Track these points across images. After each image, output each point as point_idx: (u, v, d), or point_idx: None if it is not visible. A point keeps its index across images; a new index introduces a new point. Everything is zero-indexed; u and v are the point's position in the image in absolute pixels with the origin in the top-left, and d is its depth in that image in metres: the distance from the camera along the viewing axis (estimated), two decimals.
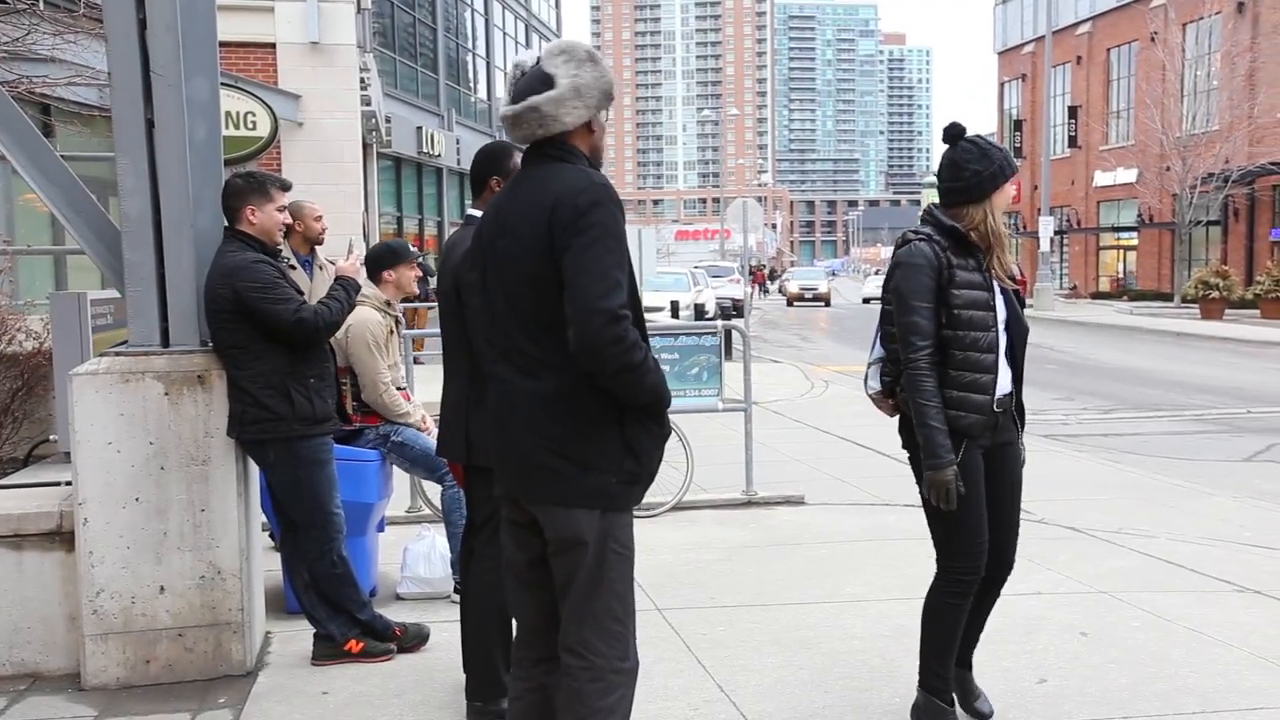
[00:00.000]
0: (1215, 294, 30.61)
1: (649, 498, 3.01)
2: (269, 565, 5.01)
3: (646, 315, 2.84)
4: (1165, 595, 5.27)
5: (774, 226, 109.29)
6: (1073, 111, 46.10)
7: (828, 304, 46.28)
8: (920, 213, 3.58)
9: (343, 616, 4.39)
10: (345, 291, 4.38)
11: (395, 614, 4.72)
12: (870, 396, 3.67)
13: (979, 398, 3.37)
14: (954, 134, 3.45)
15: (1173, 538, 6.49)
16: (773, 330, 29.58)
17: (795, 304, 46.41)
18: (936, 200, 3.54)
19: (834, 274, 62.18)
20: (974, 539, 3.46)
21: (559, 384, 2.64)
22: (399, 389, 5.22)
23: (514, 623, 3.00)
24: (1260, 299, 30.68)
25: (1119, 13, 44.07)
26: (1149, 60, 40.86)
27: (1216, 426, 12.11)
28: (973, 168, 3.40)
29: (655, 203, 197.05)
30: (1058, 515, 7.00)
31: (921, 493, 3.46)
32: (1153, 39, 40.73)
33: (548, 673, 2.84)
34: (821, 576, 5.63)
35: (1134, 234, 43.57)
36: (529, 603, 2.86)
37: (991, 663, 4.16)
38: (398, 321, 5.35)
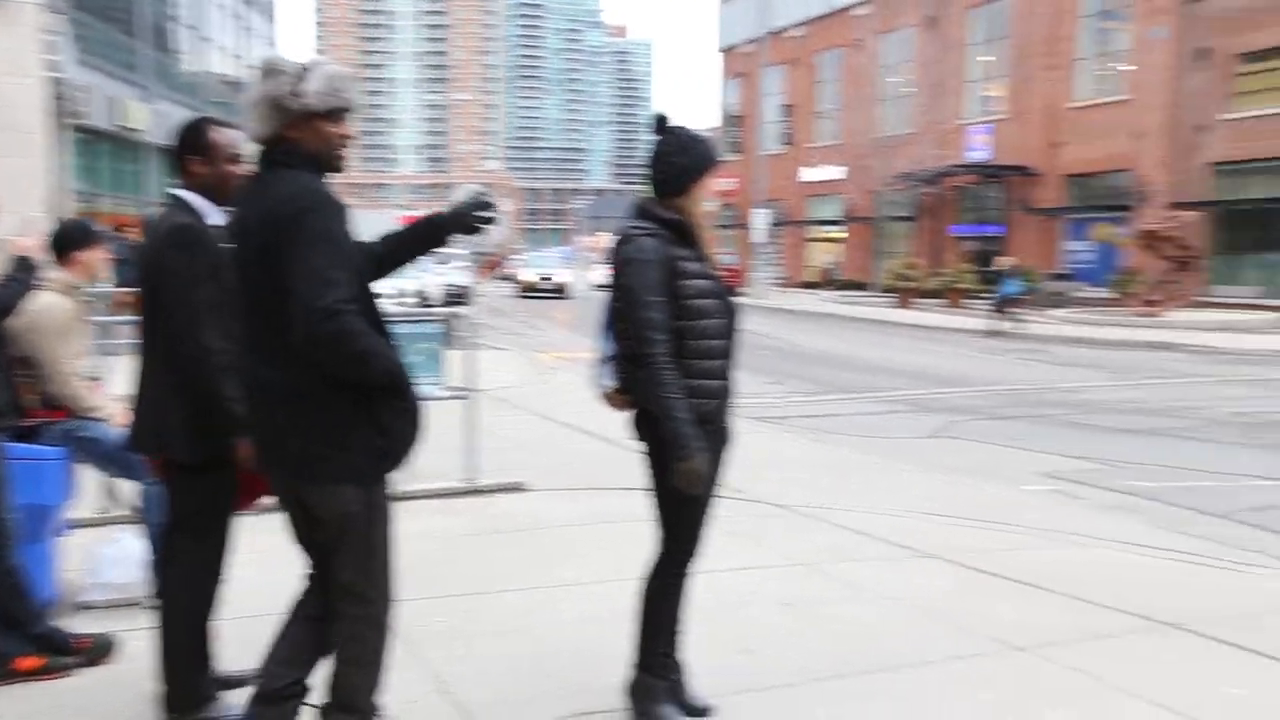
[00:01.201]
0: (908, 284, 33.26)
1: None
2: None
3: None
4: (862, 565, 5.68)
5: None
6: (786, 110, 48.69)
7: (565, 295, 40.13)
8: (633, 206, 3.61)
9: (15, 632, 4.00)
10: (24, 272, 4.00)
11: (81, 624, 4.36)
12: (604, 395, 3.68)
13: (715, 383, 3.47)
14: (659, 125, 3.54)
15: (867, 511, 6.99)
16: (500, 318, 29.53)
17: (530, 294, 40.08)
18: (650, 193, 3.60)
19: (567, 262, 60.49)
20: (703, 521, 3.59)
21: (304, 375, 2.86)
22: (88, 380, 4.82)
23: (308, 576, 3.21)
24: (945, 289, 33.65)
25: (828, 19, 46.87)
26: (852, 66, 43.80)
27: (907, 406, 13.16)
28: (673, 160, 3.48)
29: (379, 186, 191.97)
30: (767, 494, 7.37)
31: (655, 481, 3.52)
32: (855, 46, 43.67)
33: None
34: (542, 562, 5.68)
35: (839, 227, 46.60)
36: (319, 563, 3.16)
37: (700, 637, 4.33)
38: (86, 307, 4.93)
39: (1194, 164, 31.23)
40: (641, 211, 3.54)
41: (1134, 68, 33.04)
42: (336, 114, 2.96)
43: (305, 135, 2.93)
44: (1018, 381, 15.87)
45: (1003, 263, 26.35)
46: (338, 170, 3.03)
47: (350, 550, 3.04)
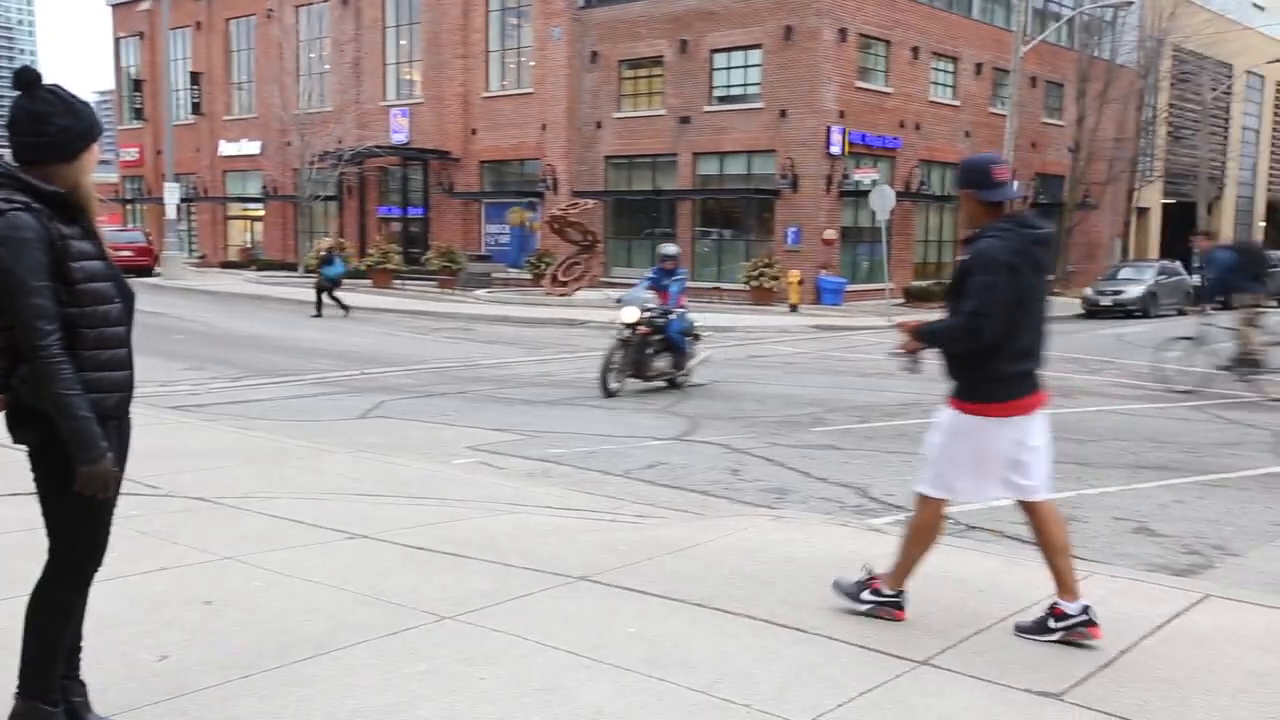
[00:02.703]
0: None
1: None
2: None
3: None
4: (287, 552, 5.51)
5: None
6: (195, 78, 45.68)
7: None
8: None
9: None
10: None
11: None
12: None
13: (118, 374, 3.14)
14: (28, 81, 3.07)
15: (296, 497, 6.82)
16: None
17: None
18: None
19: None
20: (106, 525, 3.25)
21: None
22: None
23: None
24: (371, 269, 33.86)
25: None
26: (267, 36, 42.21)
27: (337, 388, 13.05)
28: (60, 122, 3.07)
29: None
30: (186, 487, 6.90)
31: (46, 485, 3.13)
32: (269, 16, 42.12)
33: None
34: None
35: (261, 205, 44.84)
36: None
37: (109, 649, 3.94)
38: None
39: (592, 156, 34.43)
40: (11, 181, 3.06)
41: (536, 64, 35.54)
42: None
43: None
44: (445, 359, 16.45)
45: (324, 244, 25.98)
46: None
47: None
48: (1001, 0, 36.64)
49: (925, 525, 4.57)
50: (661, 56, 32.79)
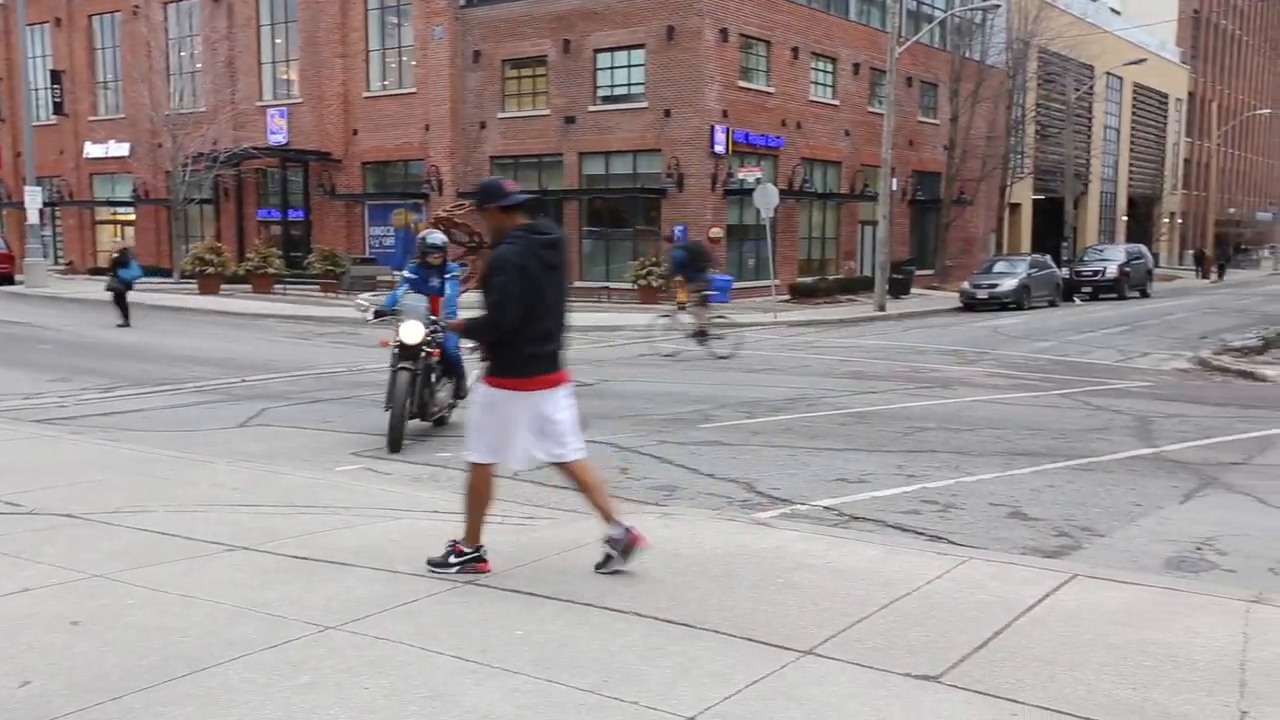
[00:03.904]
0: (211, 269, 32.00)
1: None
2: None
3: None
4: (161, 567, 5.32)
5: None
6: (56, 76, 43.76)
7: None
8: None
9: None
10: None
11: None
12: None
13: None
14: None
15: (171, 510, 6.59)
16: None
17: None
18: None
19: None
20: None
21: None
22: None
23: None
24: (251, 274, 32.98)
25: None
26: (134, 34, 40.67)
27: (216, 396, 12.66)
28: None
29: None
30: (52, 504, 6.61)
31: None
32: (135, 12, 40.62)
33: None
34: None
35: (131, 209, 43.19)
36: None
37: None
38: None
39: (478, 156, 34.10)
40: None
41: (418, 64, 35.04)
42: None
43: None
44: (329, 364, 16.12)
45: (121, 245, 24.24)
46: None
47: None
48: (877, 2, 37.52)
49: (478, 487, 5.27)
50: (545, 56, 32.67)
